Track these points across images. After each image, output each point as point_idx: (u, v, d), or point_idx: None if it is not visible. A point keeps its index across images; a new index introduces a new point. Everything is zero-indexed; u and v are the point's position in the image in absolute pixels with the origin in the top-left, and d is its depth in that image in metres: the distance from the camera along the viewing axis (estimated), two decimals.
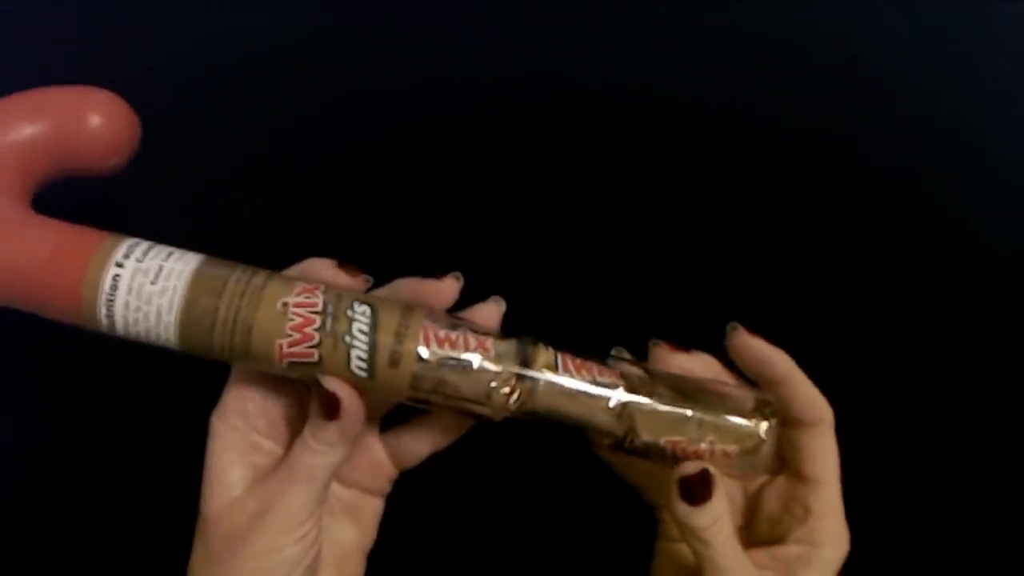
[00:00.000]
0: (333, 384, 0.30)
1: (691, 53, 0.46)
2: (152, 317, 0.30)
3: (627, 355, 0.33)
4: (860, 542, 0.41)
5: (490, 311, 0.32)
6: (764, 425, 0.31)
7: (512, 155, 0.44)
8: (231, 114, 0.44)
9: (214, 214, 0.43)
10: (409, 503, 0.35)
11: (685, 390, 0.31)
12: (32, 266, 0.31)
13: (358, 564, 0.35)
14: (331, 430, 0.30)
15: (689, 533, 0.30)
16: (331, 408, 0.30)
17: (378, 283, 0.32)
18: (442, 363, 0.30)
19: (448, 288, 0.32)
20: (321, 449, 0.30)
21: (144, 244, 0.31)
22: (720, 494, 0.30)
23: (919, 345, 0.43)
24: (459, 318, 0.31)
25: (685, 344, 0.33)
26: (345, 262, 0.32)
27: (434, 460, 0.34)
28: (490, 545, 0.40)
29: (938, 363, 0.42)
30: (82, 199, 0.40)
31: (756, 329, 0.34)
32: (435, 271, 0.32)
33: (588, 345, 0.32)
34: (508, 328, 0.31)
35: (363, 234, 0.43)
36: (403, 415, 0.34)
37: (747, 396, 0.32)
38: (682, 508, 0.30)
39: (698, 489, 0.30)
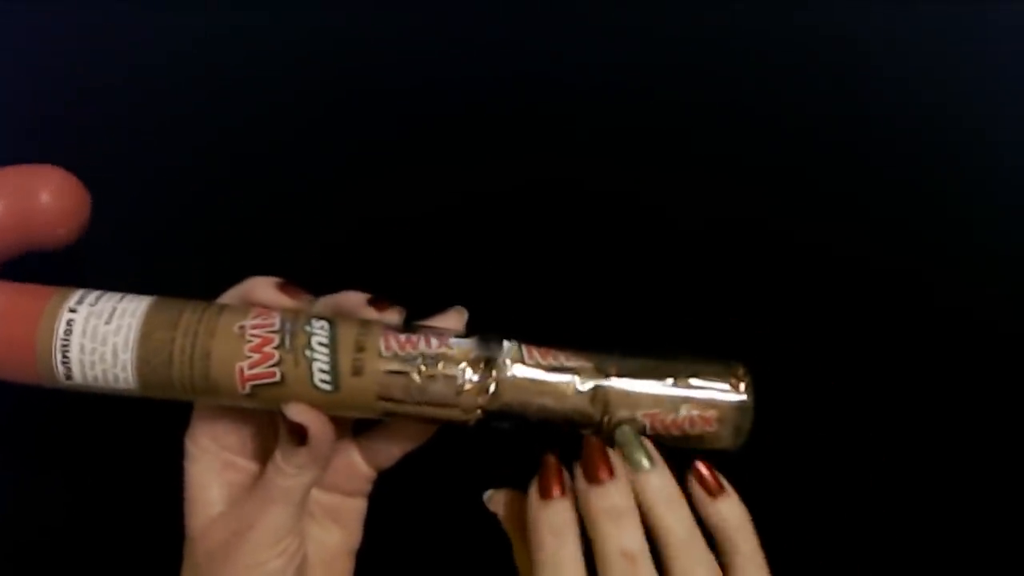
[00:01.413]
0: (297, 413, 0.30)
1: (691, 54, 0.46)
2: (108, 357, 0.30)
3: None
4: (860, 542, 0.41)
5: (452, 320, 0.32)
6: (741, 385, 0.31)
7: (513, 155, 0.44)
8: (230, 114, 0.44)
9: (213, 214, 0.43)
10: (397, 503, 0.36)
11: (655, 364, 0.31)
12: None
13: (345, 564, 0.35)
14: (301, 455, 0.30)
15: (530, 526, 0.30)
16: (299, 436, 0.30)
17: (379, 287, 0.32)
18: (406, 365, 0.29)
19: (391, 317, 0.31)
20: (293, 472, 0.30)
21: (96, 292, 0.31)
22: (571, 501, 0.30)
23: (919, 345, 0.43)
24: (419, 325, 0.31)
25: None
26: (288, 282, 0.32)
27: (421, 460, 0.34)
28: (480, 543, 0.40)
29: (939, 363, 0.43)
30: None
31: (755, 330, 0.34)
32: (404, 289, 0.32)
33: (586, 345, 0.32)
34: (502, 328, 0.31)
35: (364, 234, 0.43)
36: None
37: (716, 363, 0.31)
38: (532, 498, 0.30)
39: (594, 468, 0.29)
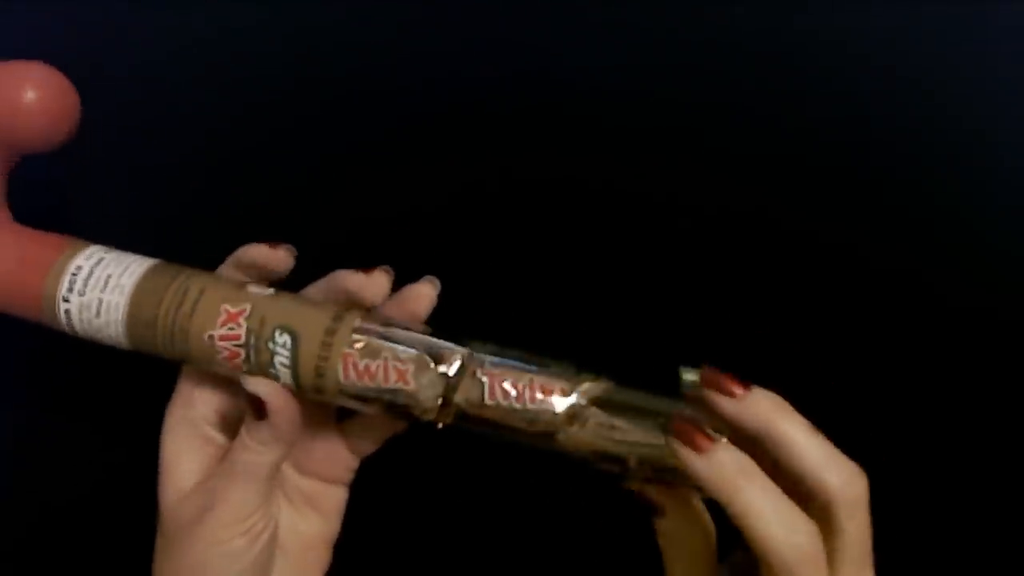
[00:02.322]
0: (256, 386, 0.30)
1: (692, 52, 0.46)
2: (103, 327, 0.32)
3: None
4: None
5: (423, 292, 0.32)
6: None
7: (512, 153, 0.44)
8: (229, 111, 0.44)
9: (212, 211, 0.43)
10: (379, 496, 0.36)
11: (639, 399, 0.30)
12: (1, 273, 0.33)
13: (322, 554, 0.35)
14: (263, 430, 0.30)
15: (707, 484, 0.26)
16: (257, 409, 0.30)
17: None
18: (364, 398, 0.30)
19: (377, 283, 0.32)
20: (257, 448, 0.30)
21: (100, 253, 0.33)
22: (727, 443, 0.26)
23: (920, 345, 0.43)
24: (389, 324, 0.31)
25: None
26: (275, 241, 0.32)
27: (403, 455, 0.34)
28: (466, 538, 0.40)
29: (939, 363, 0.42)
30: (77, 194, 0.40)
31: (756, 328, 0.34)
32: (421, 271, 0.33)
33: (586, 345, 0.32)
34: (497, 324, 0.31)
35: (363, 232, 0.43)
36: None
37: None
38: (689, 458, 0.26)
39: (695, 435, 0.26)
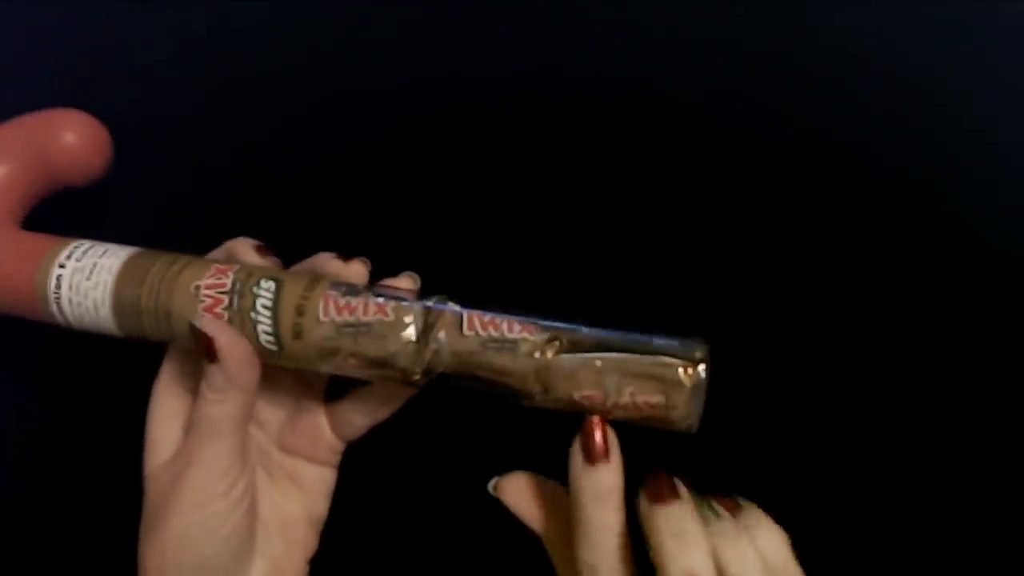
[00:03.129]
0: (208, 325, 0.30)
1: (692, 52, 0.46)
2: (92, 311, 0.32)
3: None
4: (860, 541, 0.41)
5: (403, 284, 0.32)
6: (691, 369, 0.29)
7: (512, 153, 0.44)
8: (229, 111, 0.44)
9: (212, 211, 0.43)
10: (370, 484, 0.36)
11: (608, 339, 0.30)
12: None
13: (307, 534, 0.35)
14: (217, 376, 0.30)
15: (573, 493, 0.29)
16: (208, 351, 0.30)
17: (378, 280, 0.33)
18: (342, 331, 0.30)
19: (354, 270, 0.32)
20: (214, 398, 0.30)
21: (86, 244, 0.33)
22: (616, 463, 0.29)
23: (919, 345, 0.43)
24: (371, 286, 0.31)
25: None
26: (264, 245, 0.33)
27: (395, 440, 0.34)
28: (457, 524, 0.40)
29: (938, 363, 0.42)
30: (76, 199, 0.40)
31: (755, 329, 0.34)
32: (416, 265, 0.33)
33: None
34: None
35: (363, 230, 0.43)
36: (346, 387, 0.35)
37: (675, 343, 0.30)
38: (575, 464, 0.29)
39: (594, 447, 0.29)
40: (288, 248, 0.34)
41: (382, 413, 0.34)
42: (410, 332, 0.30)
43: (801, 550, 0.30)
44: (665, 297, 0.43)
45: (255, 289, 0.30)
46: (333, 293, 0.30)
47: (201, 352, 0.30)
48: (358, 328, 0.30)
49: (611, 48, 0.46)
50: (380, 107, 0.45)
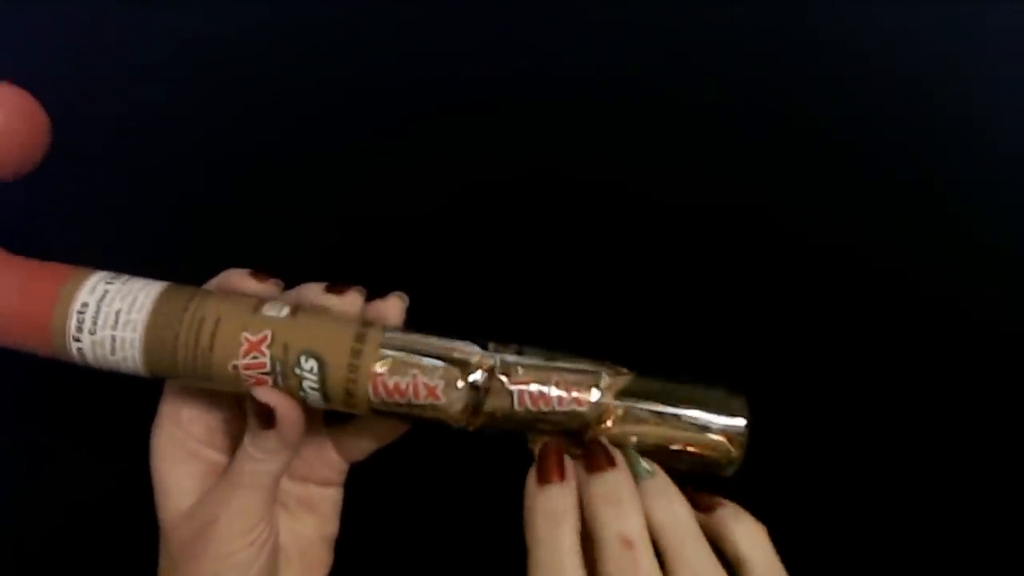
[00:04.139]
0: (267, 395, 0.30)
1: (692, 52, 0.46)
2: (119, 360, 0.31)
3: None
4: (859, 542, 0.41)
5: (392, 306, 0.32)
6: (726, 438, 0.31)
7: (512, 153, 0.44)
8: (229, 111, 0.44)
9: (212, 211, 0.43)
10: (378, 493, 0.36)
11: (662, 388, 0.31)
12: (4, 303, 0.31)
13: (322, 553, 0.35)
14: (270, 439, 0.30)
15: (525, 514, 0.29)
16: (267, 418, 0.30)
17: (378, 285, 0.32)
18: (393, 407, 0.30)
19: (393, 308, 0.32)
20: (261, 457, 0.30)
21: (105, 282, 0.31)
22: (571, 486, 0.29)
23: (919, 345, 0.43)
24: (410, 333, 0.31)
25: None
26: (258, 271, 0.32)
27: (401, 449, 0.34)
28: (464, 532, 0.40)
29: (938, 363, 0.42)
30: (77, 194, 0.40)
31: (754, 329, 0.34)
32: (410, 282, 0.33)
33: (586, 345, 0.32)
34: (497, 323, 0.32)
35: (363, 231, 0.43)
36: None
37: (718, 395, 0.31)
38: (529, 484, 0.29)
39: (548, 467, 0.29)
40: (288, 248, 0.34)
41: (391, 436, 0.34)
42: (461, 410, 0.30)
43: (801, 549, 0.30)
44: (665, 297, 0.43)
45: (297, 371, 0.30)
46: (380, 374, 0.30)
47: (258, 420, 0.30)
48: (410, 408, 0.30)
49: (610, 48, 0.46)
50: (380, 107, 0.45)
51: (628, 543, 0.28)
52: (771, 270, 0.43)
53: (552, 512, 0.29)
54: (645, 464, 0.30)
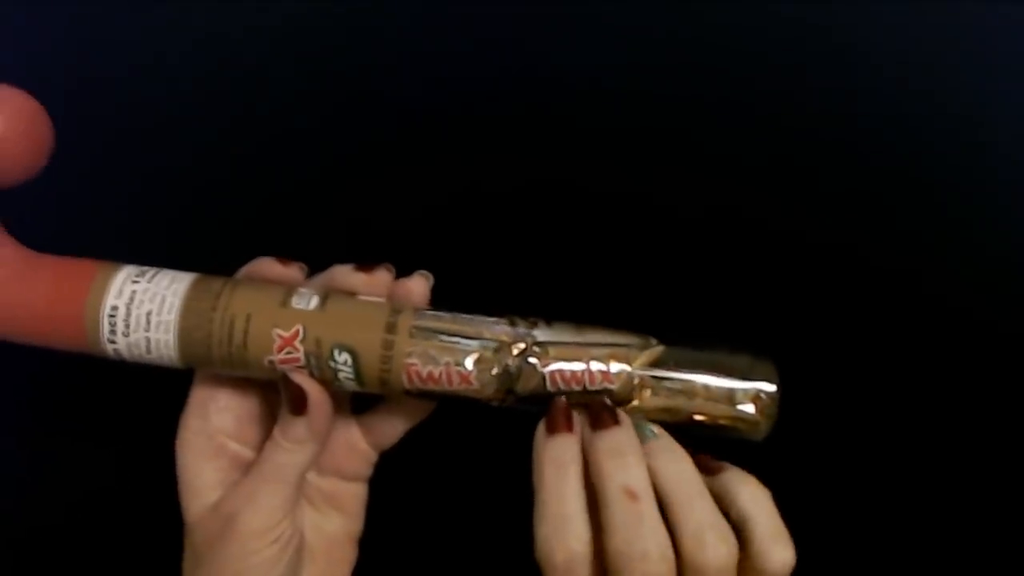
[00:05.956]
0: (301, 379, 0.30)
1: (692, 52, 0.46)
2: (153, 353, 0.31)
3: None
4: (859, 542, 0.41)
5: (417, 284, 0.32)
6: (754, 407, 0.31)
7: (512, 153, 0.44)
8: (229, 112, 0.44)
9: (212, 212, 0.43)
10: (399, 491, 0.36)
11: (700, 357, 0.32)
12: (35, 309, 0.31)
13: (347, 551, 0.35)
14: (300, 426, 0.30)
15: (534, 463, 0.30)
16: (299, 403, 0.30)
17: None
18: (428, 393, 0.31)
19: (418, 287, 0.32)
20: (291, 447, 0.30)
21: (134, 277, 0.31)
22: (577, 437, 0.30)
23: (918, 345, 0.43)
24: (439, 317, 0.31)
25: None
26: (285, 258, 0.32)
27: (423, 447, 0.34)
28: (482, 529, 0.40)
29: (937, 363, 0.42)
30: (77, 195, 0.40)
31: (754, 329, 0.34)
32: (419, 270, 0.33)
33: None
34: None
35: (363, 231, 0.43)
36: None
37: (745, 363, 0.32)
38: (538, 435, 0.30)
39: (557, 419, 0.30)
40: (289, 248, 0.34)
41: (421, 415, 0.34)
42: (492, 393, 0.31)
43: (808, 548, 0.30)
44: (665, 297, 0.43)
45: (332, 364, 0.30)
46: (414, 363, 0.30)
47: (290, 404, 0.30)
48: (444, 392, 0.31)
49: (610, 49, 0.46)
50: (380, 108, 0.45)
51: (632, 495, 0.28)
52: (771, 270, 0.43)
53: (559, 459, 0.29)
54: (652, 427, 0.31)
